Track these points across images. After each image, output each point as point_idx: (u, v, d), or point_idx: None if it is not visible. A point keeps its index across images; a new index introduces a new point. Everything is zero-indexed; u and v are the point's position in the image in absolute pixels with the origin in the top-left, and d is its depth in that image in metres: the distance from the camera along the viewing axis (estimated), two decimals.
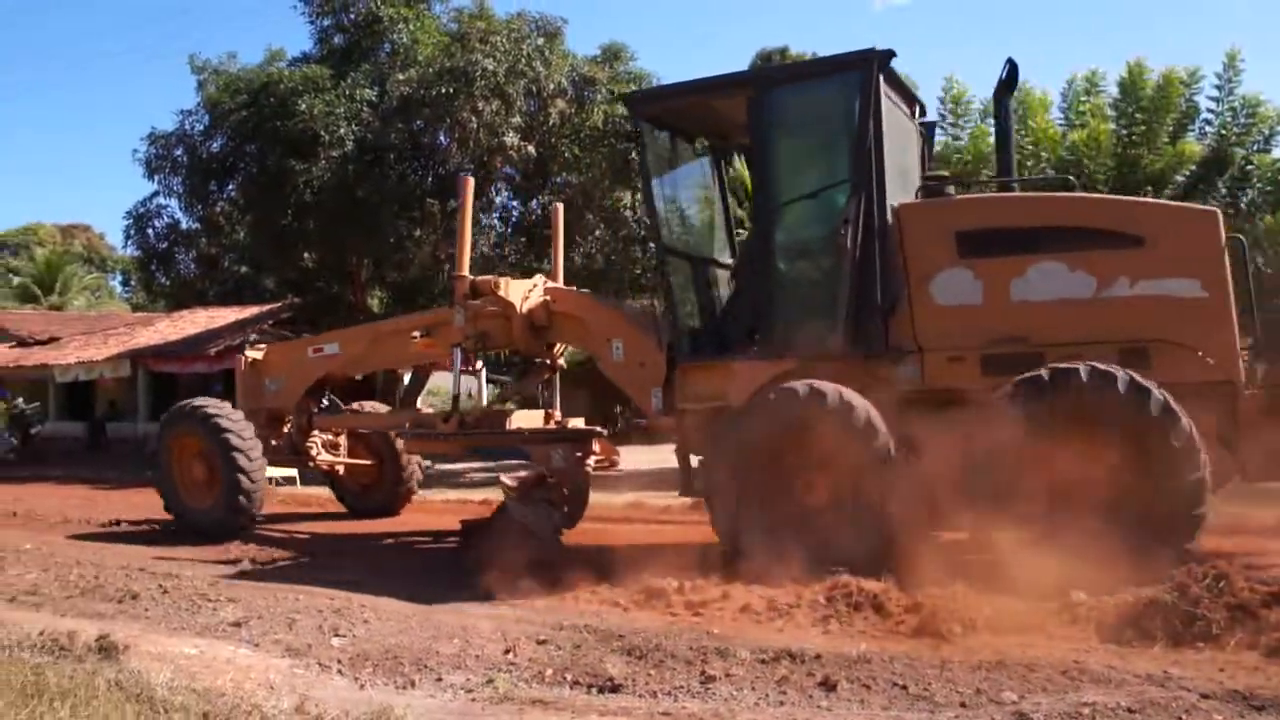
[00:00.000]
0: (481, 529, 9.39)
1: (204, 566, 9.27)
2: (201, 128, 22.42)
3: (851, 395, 7.50)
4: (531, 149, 19.51)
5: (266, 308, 25.16)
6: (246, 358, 12.04)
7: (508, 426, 10.27)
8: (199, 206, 23.05)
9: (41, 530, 12.18)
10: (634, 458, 12.85)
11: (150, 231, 24.00)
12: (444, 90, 18.55)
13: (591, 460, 10.12)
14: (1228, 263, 7.35)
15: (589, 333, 9.86)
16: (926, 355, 7.83)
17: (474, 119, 18.38)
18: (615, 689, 5.15)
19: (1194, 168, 14.83)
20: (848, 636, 6.04)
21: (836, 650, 5.62)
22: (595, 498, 10.59)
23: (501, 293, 9.92)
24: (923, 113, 9.61)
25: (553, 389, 11.14)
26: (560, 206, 11.83)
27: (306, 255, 22.78)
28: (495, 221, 23.02)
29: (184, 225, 24.14)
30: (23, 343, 28.87)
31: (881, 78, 7.98)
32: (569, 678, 5.32)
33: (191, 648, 6.04)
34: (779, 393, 7.70)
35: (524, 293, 10.09)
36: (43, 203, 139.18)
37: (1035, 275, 7.55)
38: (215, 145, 22.19)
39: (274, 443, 11.85)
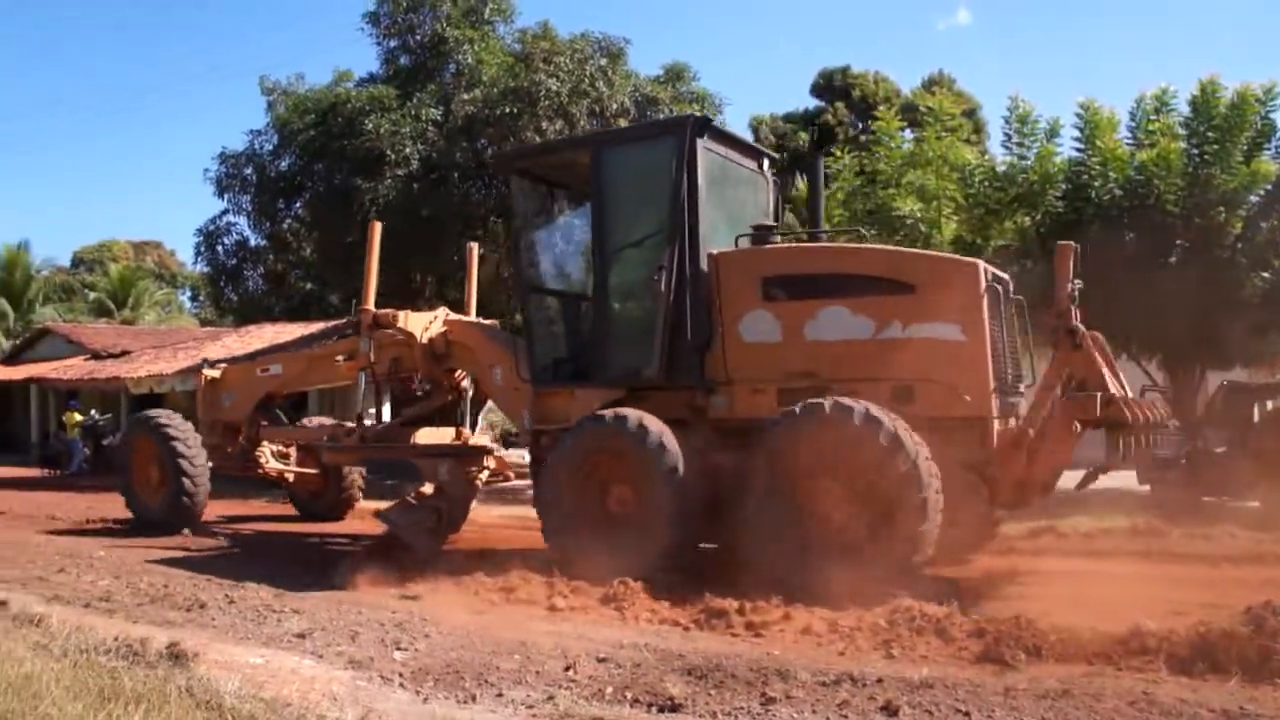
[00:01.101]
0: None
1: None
2: (270, 147, 23.02)
3: (635, 414, 8.51)
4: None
5: (331, 324, 25.55)
6: (205, 375, 13.32)
7: (410, 442, 11.37)
8: (267, 224, 23.59)
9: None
10: None
11: (220, 248, 24.61)
12: (508, 110, 18.84)
13: (484, 474, 11.46)
14: (985, 310, 8.05)
15: (477, 360, 10.94)
16: (735, 387, 8.81)
17: (537, 139, 18.59)
18: (675, 709, 5.14)
19: (1269, 187, 14.54)
20: (910, 661, 5.98)
21: (898, 675, 5.57)
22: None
23: (401, 324, 11.11)
24: (772, 164, 10.42)
25: (464, 408, 12.21)
26: (474, 246, 12.72)
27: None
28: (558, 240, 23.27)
29: (252, 242, 24.74)
30: (96, 356, 29.62)
31: (707, 139, 9.04)
32: (629, 696, 5.33)
33: (257, 657, 6.15)
34: (589, 418, 8.80)
35: (424, 324, 11.25)
36: (117, 220, 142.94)
37: (824, 317, 8.44)
38: (283, 164, 22.75)
39: (229, 450, 13.09)
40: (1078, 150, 15.57)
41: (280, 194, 22.78)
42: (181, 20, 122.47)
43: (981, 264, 8.35)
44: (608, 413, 8.70)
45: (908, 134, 18.07)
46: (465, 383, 11.91)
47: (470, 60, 20.79)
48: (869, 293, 8.29)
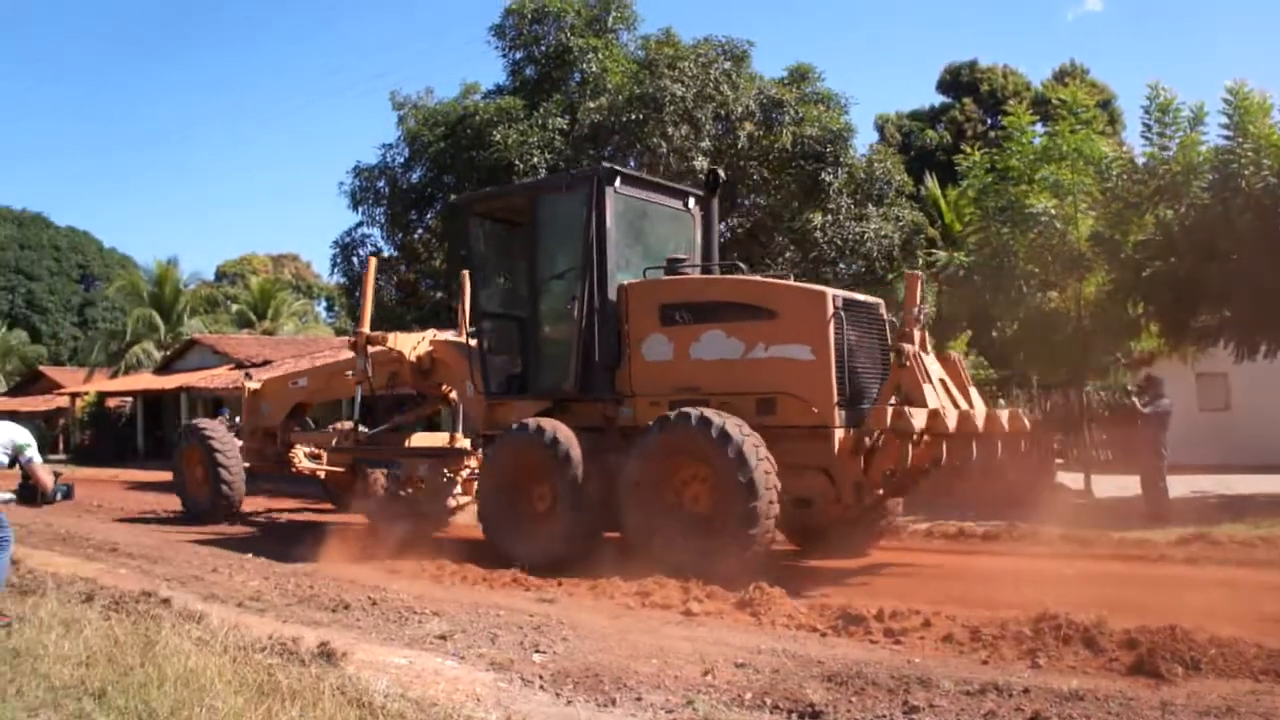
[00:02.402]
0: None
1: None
2: (402, 160, 23.53)
3: (544, 423, 10.14)
4: (721, 172, 19.53)
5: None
6: (247, 388, 15.79)
7: (405, 445, 13.51)
8: (399, 235, 24.15)
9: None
10: None
11: (354, 259, 25.31)
12: (633, 117, 18.92)
13: (465, 472, 13.07)
14: (832, 333, 9.28)
15: (455, 376, 12.68)
16: (637, 400, 10.30)
17: (663, 144, 18.67)
18: (816, 715, 5.10)
19: None
20: (1057, 671, 5.81)
21: (1046, 685, 5.42)
22: None
23: (391, 343, 13.08)
24: (698, 201, 11.63)
25: (456, 415, 14.04)
26: (467, 273, 13.04)
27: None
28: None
29: (385, 253, 25.40)
30: (240, 365, 30.94)
31: (619, 186, 10.44)
32: (768, 702, 5.30)
33: (401, 658, 6.32)
34: (512, 427, 10.50)
35: (413, 344, 13.21)
36: (257, 235, 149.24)
37: (705, 339, 9.87)
38: (415, 176, 23.26)
39: (268, 452, 15.32)
40: (1226, 138, 14.85)
41: (412, 205, 23.31)
42: (314, 40, 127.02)
43: (830, 292, 9.60)
44: (521, 422, 10.40)
45: (1039, 128, 17.56)
46: (453, 394, 13.64)
47: (595, 68, 20.99)
48: (740, 318, 9.70)
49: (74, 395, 43.18)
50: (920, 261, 21.38)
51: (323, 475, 15.46)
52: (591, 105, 19.98)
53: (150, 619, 7.04)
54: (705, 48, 20.69)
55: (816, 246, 20.43)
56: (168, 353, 41.48)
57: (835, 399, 9.21)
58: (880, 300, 10.42)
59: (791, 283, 10.27)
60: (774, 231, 21.50)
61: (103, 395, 40.74)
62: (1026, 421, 9.98)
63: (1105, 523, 12.00)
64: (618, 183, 10.43)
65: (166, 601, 7.95)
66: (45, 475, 7.57)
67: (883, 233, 20.34)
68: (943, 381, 9.43)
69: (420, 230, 24.41)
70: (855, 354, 9.56)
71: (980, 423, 9.26)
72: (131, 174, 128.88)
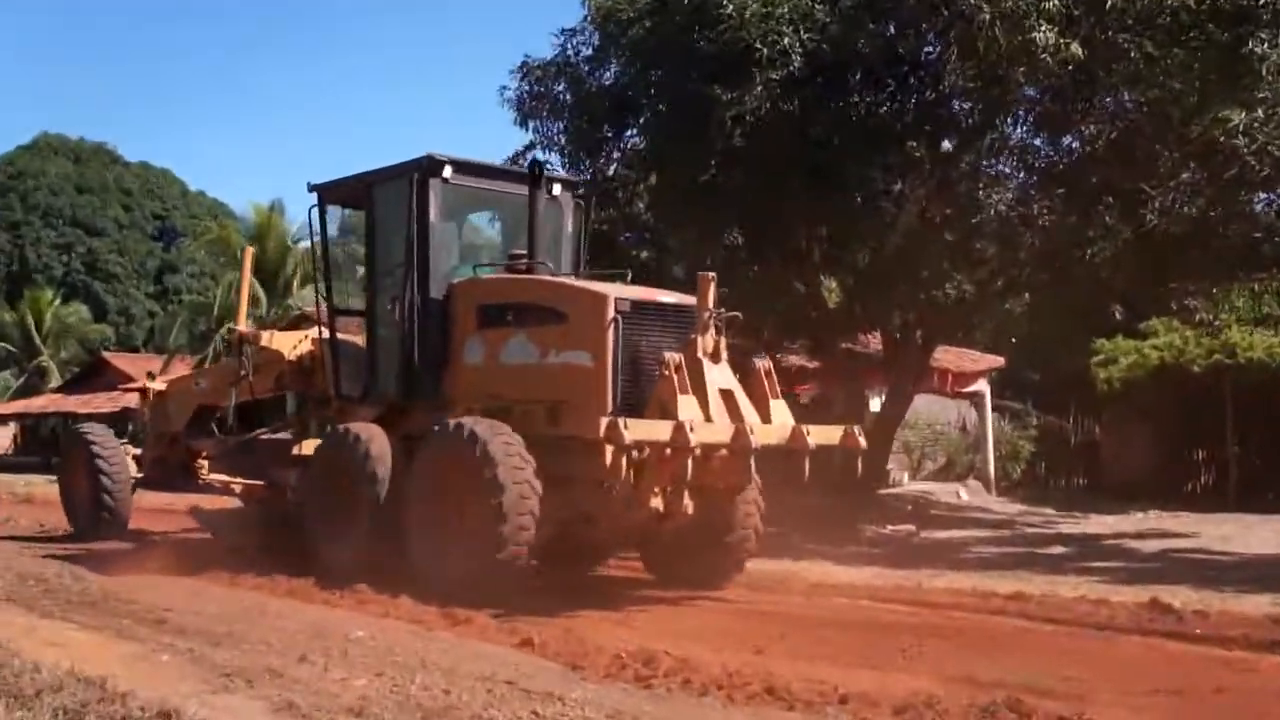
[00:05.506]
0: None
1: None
2: (589, 52, 22.88)
3: (356, 429, 13.00)
4: (1076, 48, 17.76)
5: None
6: (151, 389, 19.38)
7: (295, 452, 15.72)
8: (586, 161, 23.28)
9: None
10: None
11: None
12: None
13: None
14: (610, 338, 11.62)
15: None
16: (457, 406, 12.68)
17: (985, 8, 16.96)
18: None
19: None
20: None
21: None
22: None
23: (267, 342, 16.57)
24: (566, 187, 14.53)
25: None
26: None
27: (734, 229, 22.39)
28: (1010, 169, 21.44)
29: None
30: None
31: (453, 175, 13.12)
32: None
33: None
34: (328, 432, 13.93)
35: (293, 342, 16.49)
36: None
37: (512, 344, 12.51)
38: (608, 75, 22.64)
39: (171, 460, 18.40)
40: None
41: (605, 118, 22.57)
42: None
43: (614, 294, 11.83)
44: (343, 427, 13.36)
45: None
46: None
47: None
48: (540, 322, 12.23)
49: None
50: None
51: (237, 488, 17.48)
52: None
53: None
54: None
55: (1235, 161, 18.32)
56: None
57: (609, 409, 11.27)
58: (695, 300, 11.97)
59: (581, 283, 12.52)
60: (1154, 142, 19.47)
61: None
62: (862, 439, 12.18)
63: None
64: (447, 173, 13.01)
65: None
66: None
67: None
68: (726, 392, 11.53)
69: (618, 155, 23.70)
70: (646, 361, 11.73)
71: (763, 439, 11.26)
72: (224, 91, 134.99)
